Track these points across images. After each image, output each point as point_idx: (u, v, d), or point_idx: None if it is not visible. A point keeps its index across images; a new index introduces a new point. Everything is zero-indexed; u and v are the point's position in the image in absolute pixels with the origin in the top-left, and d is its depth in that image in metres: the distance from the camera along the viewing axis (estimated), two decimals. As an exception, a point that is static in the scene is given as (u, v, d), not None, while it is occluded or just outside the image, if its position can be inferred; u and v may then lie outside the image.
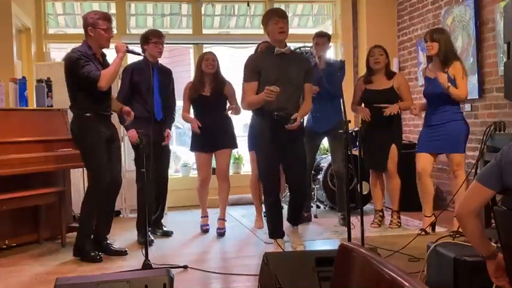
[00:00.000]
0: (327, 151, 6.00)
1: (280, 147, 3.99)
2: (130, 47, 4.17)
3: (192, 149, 4.98)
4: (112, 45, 4.13)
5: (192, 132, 4.96)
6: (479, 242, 2.19)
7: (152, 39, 4.62)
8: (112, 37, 4.10)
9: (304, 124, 5.02)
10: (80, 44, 4.07)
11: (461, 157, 4.46)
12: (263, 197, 4.14)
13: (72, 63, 3.94)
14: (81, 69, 3.88)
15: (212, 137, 4.82)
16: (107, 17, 4.06)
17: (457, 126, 4.43)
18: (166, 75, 4.83)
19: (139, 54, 4.34)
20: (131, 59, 5.12)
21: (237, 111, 4.83)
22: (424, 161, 4.57)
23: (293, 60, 4.04)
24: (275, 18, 3.95)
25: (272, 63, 3.97)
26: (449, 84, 4.30)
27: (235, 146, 5.02)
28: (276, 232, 4.11)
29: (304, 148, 4.19)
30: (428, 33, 4.50)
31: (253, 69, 4.00)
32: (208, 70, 4.82)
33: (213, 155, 4.99)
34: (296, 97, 4.03)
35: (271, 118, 3.93)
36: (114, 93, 4.47)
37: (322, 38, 4.94)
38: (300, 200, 4.18)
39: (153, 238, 4.62)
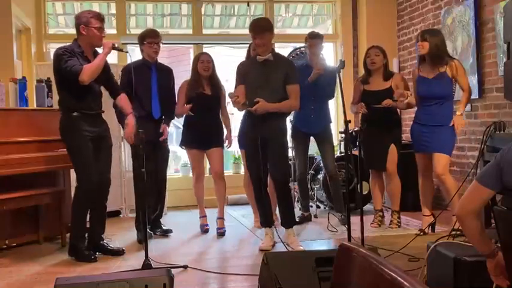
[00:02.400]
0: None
1: (261, 145, 4.16)
2: (116, 45, 4.19)
3: (184, 144, 5.00)
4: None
5: (184, 128, 4.99)
6: (479, 241, 2.20)
7: (147, 39, 4.66)
8: (104, 36, 4.10)
9: (293, 124, 5.11)
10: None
11: (447, 159, 4.48)
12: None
13: (55, 59, 3.97)
14: (63, 64, 3.89)
15: (206, 135, 4.87)
16: (99, 17, 4.07)
17: (449, 130, 4.46)
18: (165, 74, 4.83)
19: (121, 50, 4.34)
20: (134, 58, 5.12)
21: (230, 144, 5.07)
22: (424, 161, 4.59)
23: (275, 65, 4.23)
24: (252, 34, 4.18)
25: (255, 70, 4.23)
26: (460, 113, 4.41)
27: (223, 145, 5.05)
28: (266, 221, 4.35)
29: (284, 144, 4.31)
30: (419, 33, 4.56)
31: (239, 75, 4.32)
32: (203, 73, 4.87)
33: (205, 154, 5.01)
34: (275, 100, 4.16)
35: (256, 119, 4.14)
36: (105, 93, 4.40)
37: (315, 40, 4.97)
38: (284, 194, 4.30)
39: (151, 232, 4.61)
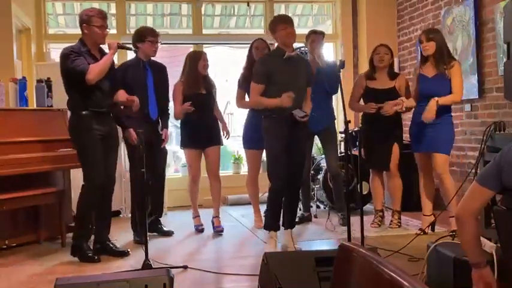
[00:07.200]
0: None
1: (286, 146, 4.08)
2: (122, 43, 4.16)
3: (184, 145, 4.99)
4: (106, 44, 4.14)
5: (182, 128, 5.00)
6: (473, 246, 2.17)
7: (148, 37, 4.58)
8: (106, 34, 4.08)
9: None
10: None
11: (446, 158, 4.48)
12: (268, 193, 4.21)
13: (62, 59, 3.97)
14: (70, 64, 3.90)
15: (204, 134, 4.88)
16: (101, 14, 4.05)
17: (448, 128, 4.48)
18: (160, 71, 4.78)
19: (130, 49, 4.35)
20: (129, 56, 5.10)
21: (228, 135, 5.10)
22: (423, 160, 4.60)
23: (299, 64, 4.16)
24: (283, 25, 4.08)
25: (282, 67, 4.09)
26: (436, 99, 4.32)
27: (221, 142, 5.06)
28: (273, 225, 4.22)
29: (306, 146, 4.28)
30: (423, 33, 4.52)
31: (264, 73, 4.11)
32: (203, 72, 4.87)
33: (202, 153, 5.01)
34: (301, 100, 4.13)
35: (285, 119, 4.02)
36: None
37: (318, 35, 4.96)
38: (295, 198, 4.28)
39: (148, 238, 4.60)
